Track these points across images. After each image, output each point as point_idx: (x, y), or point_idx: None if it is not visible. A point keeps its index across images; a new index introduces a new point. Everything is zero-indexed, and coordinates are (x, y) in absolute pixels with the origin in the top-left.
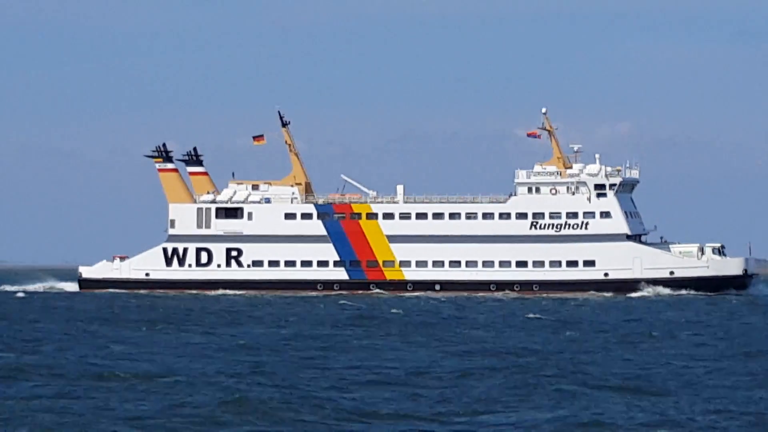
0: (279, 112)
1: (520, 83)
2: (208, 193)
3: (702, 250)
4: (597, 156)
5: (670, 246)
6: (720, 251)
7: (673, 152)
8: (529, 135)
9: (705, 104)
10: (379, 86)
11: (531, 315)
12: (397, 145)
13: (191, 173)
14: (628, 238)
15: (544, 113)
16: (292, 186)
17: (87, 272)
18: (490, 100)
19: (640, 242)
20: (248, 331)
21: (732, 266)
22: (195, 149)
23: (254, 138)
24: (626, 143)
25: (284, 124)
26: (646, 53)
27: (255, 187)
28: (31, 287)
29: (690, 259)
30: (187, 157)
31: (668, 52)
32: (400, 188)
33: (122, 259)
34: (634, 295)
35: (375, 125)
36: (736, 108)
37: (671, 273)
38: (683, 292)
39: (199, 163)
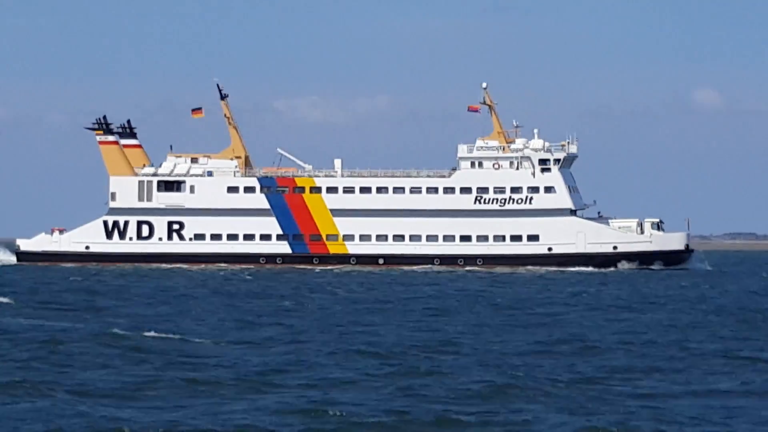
0: (218, 85)
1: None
2: (146, 166)
3: (641, 226)
4: (535, 131)
5: (609, 221)
6: (659, 226)
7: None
8: (470, 109)
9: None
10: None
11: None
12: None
13: (125, 146)
14: (571, 213)
15: (485, 88)
16: (231, 159)
17: (25, 245)
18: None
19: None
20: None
21: (674, 241)
22: (129, 122)
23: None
24: (384, 116)
25: (223, 97)
26: (414, 30)
27: (194, 161)
28: None
29: (633, 234)
30: (120, 130)
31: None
32: (338, 162)
33: (61, 231)
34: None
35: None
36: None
37: (614, 248)
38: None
39: (133, 136)
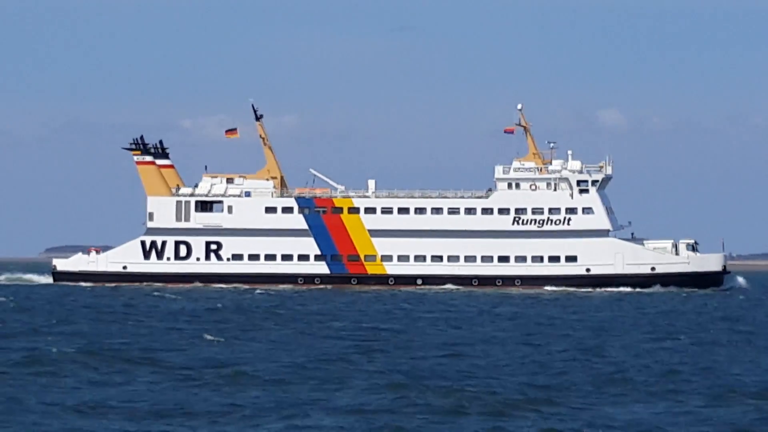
0: (252, 106)
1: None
2: (179, 186)
3: (676, 247)
4: (570, 152)
5: (644, 242)
6: (694, 247)
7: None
8: (505, 131)
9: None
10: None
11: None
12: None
13: (158, 166)
14: (608, 234)
15: (520, 109)
16: (267, 180)
17: (62, 265)
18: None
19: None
20: None
21: (712, 262)
22: (161, 142)
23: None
24: (294, 135)
25: (257, 118)
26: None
27: (230, 181)
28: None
29: (670, 255)
30: (153, 150)
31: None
32: (371, 183)
33: (98, 251)
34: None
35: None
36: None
37: (652, 269)
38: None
39: (166, 156)
